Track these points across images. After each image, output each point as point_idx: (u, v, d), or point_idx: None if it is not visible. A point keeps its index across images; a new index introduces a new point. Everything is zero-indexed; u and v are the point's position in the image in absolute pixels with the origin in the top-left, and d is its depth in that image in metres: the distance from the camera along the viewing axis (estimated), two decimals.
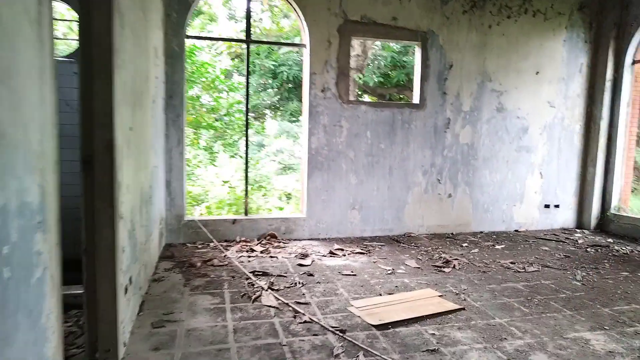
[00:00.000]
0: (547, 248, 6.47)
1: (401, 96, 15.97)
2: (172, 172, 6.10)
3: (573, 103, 7.60)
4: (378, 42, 14.85)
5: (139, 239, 3.87)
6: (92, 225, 2.78)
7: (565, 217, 7.83)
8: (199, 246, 6.10)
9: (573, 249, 6.47)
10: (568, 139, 7.66)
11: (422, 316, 3.90)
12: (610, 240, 7.01)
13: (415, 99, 6.97)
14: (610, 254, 6.18)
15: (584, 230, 7.66)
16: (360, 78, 14.13)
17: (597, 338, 3.58)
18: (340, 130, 6.63)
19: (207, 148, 9.07)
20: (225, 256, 5.61)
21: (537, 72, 7.35)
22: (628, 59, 7.30)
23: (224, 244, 6.19)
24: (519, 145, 7.42)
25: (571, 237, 7.15)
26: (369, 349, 3.30)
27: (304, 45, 6.52)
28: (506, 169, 7.41)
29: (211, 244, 6.14)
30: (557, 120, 7.55)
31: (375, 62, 14.46)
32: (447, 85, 6.97)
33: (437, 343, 3.42)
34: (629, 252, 6.29)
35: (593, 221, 7.68)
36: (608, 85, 7.43)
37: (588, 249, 6.42)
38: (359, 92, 16.09)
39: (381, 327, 3.69)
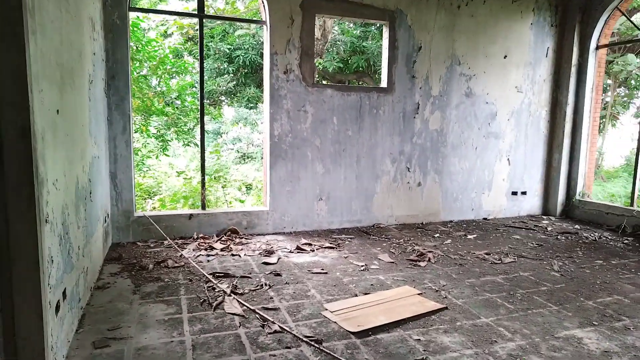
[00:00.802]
0: (518, 237, 6.33)
1: (360, 82, 15.64)
2: (118, 163, 5.42)
3: (540, 88, 7.49)
4: (337, 28, 14.41)
5: (75, 242, 3.26)
6: (6, 233, 2.18)
7: (532, 204, 7.77)
8: (151, 245, 5.48)
9: (544, 236, 6.36)
10: (535, 124, 7.56)
11: (404, 319, 3.55)
12: (577, 226, 6.99)
13: (383, 83, 6.59)
14: (580, 241, 6.12)
15: (550, 217, 7.62)
16: (319, 63, 13.65)
17: (589, 336, 3.35)
18: (305, 115, 6.15)
19: (158, 136, 8.32)
20: (181, 256, 5.04)
21: (505, 56, 7.16)
22: (592, 43, 7.25)
23: (180, 241, 5.60)
24: (488, 132, 7.24)
25: (539, 225, 7.07)
26: None
27: (264, 22, 5.96)
28: (475, 156, 7.22)
29: (165, 242, 5.54)
30: (524, 106, 7.42)
31: (334, 47, 14.02)
32: (416, 68, 6.64)
33: (424, 351, 3.08)
34: (597, 239, 6.25)
35: (559, 207, 7.66)
36: (573, 70, 7.36)
37: (559, 237, 6.33)
38: (318, 78, 15.61)
39: (361, 334, 3.30)
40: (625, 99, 15.97)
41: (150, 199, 8.00)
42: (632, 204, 6.85)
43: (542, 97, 7.53)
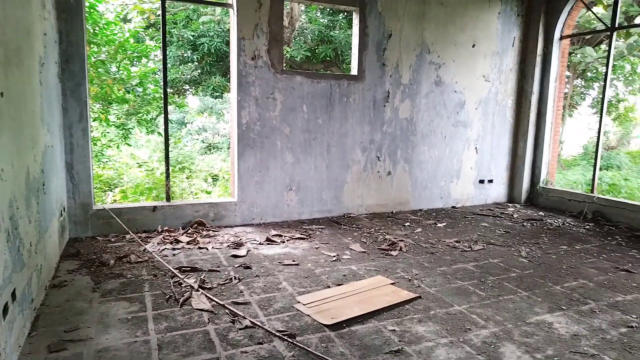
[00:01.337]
0: (486, 224, 6.41)
1: (328, 72, 15.50)
2: (74, 153, 5.09)
3: (506, 77, 7.58)
4: (304, 16, 14.18)
5: (26, 238, 3.01)
6: None
7: (498, 191, 7.91)
8: (112, 240, 5.20)
9: (510, 224, 6.47)
10: (501, 113, 7.66)
11: (379, 309, 3.49)
12: (541, 213, 7.16)
13: (354, 70, 6.49)
14: (545, 228, 6.25)
15: (515, 204, 7.78)
16: (287, 52, 13.42)
17: (559, 320, 3.40)
18: (274, 103, 5.97)
19: (119, 125, 7.92)
20: (144, 250, 4.80)
21: (474, 45, 7.19)
22: (556, 34, 7.38)
23: (143, 235, 5.34)
24: (456, 120, 7.28)
25: (506, 212, 7.20)
26: (325, 356, 2.80)
27: (230, 6, 5.72)
28: (444, 144, 7.25)
29: (127, 237, 5.27)
30: (491, 95, 7.50)
31: (302, 36, 13.81)
32: (386, 56, 6.56)
33: (400, 341, 3.02)
34: (561, 225, 6.41)
35: (523, 195, 7.83)
36: (538, 60, 7.49)
37: (524, 224, 6.46)
38: (286, 67, 15.36)
39: (335, 326, 3.21)
40: (582, 89, 16.55)
41: (111, 191, 7.63)
42: (592, 191, 7.07)
43: (509, 86, 7.64)
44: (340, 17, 13.61)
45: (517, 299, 3.80)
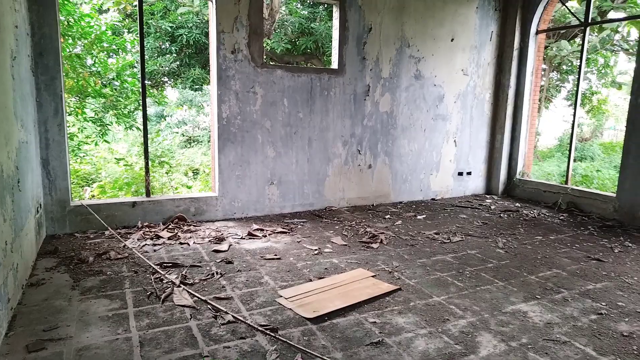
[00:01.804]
0: (464, 216, 6.54)
1: (309, 64, 15.45)
2: (50, 149, 4.99)
3: (484, 71, 7.70)
4: (284, 8, 14.07)
5: (1, 237, 2.95)
6: None
7: (476, 183, 8.06)
8: (91, 236, 5.13)
9: (488, 215, 6.62)
10: (479, 107, 7.79)
11: (360, 302, 3.54)
12: (518, 204, 7.34)
13: (334, 64, 6.50)
14: (521, 219, 6.42)
15: (493, 196, 7.95)
16: (267, 44, 13.32)
17: (533, 309, 3.51)
18: (254, 97, 5.95)
19: (95, 120, 7.76)
20: (124, 246, 4.75)
21: (452, 39, 7.27)
22: (533, 28, 7.52)
23: (123, 231, 5.28)
24: (436, 114, 7.37)
25: (483, 204, 7.35)
26: (307, 349, 2.85)
27: None
28: (423, 138, 7.34)
29: (106, 233, 5.21)
30: (469, 89, 7.61)
31: (282, 28, 13.72)
32: (367, 49, 6.59)
33: (380, 333, 3.09)
34: (536, 216, 6.59)
35: (501, 187, 8.00)
36: (515, 54, 7.62)
37: (502, 215, 6.61)
38: (266, 59, 15.24)
39: (317, 320, 3.26)
40: (558, 82, 16.91)
41: (89, 186, 7.50)
42: (566, 182, 7.27)
43: (487, 80, 7.76)
44: (321, 9, 13.56)
45: (494, 289, 3.91)
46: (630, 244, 5.27)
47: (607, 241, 5.40)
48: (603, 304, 3.64)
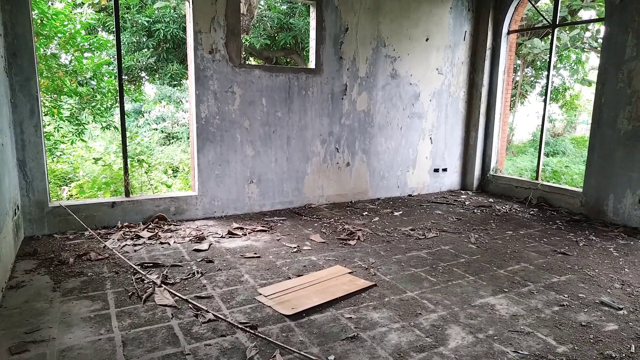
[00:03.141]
0: (440, 211, 6.75)
1: (288, 59, 15.48)
2: (27, 150, 4.97)
3: (458, 70, 7.90)
4: (263, 1, 14.04)
5: None
6: None
7: (452, 180, 8.30)
8: (70, 237, 5.14)
9: (462, 211, 6.84)
10: (454, 105, 8.00)
11: (337, 298, 3.68)
12: (491, 200, 7.59)
13: (312, 64, 6.60)
14: (493, 214, 6.66)
15: (468, 192, 8.20)
16: (246, 40, 13.30)
17: (501, 302, 3.71)
18: (232, 97, 6.01)
19: (71, 118, 7.68)
20: (104, 247, 4.79)
21: (427, 39, 7.44)
22: (504, 28, 7.75)
23: (103, 232, 5.31)
24: (412, 112, 7.55)
25: (458, 199, 7.58)
26: (285, 345, 2.97)
27: None
28: (400, 135, 7.51)
29: (86, 234, 5.22)
30: (444, 87, 7.81)
31: (261, 23, 13.70)
32: (343, 49, 6.70)
33: (356, 328, 3.23)
34: (508, 211, 6.85)
35: (475, 182, 8.25)
36: (488, 53, 7.84)
37: (475, 210, 6.85)
38: (245, 55, 15.21)
39: (295, 316, 3.39)
40: (532, 79, 17.35)
41: (67, 185, 7.44)
42: (537, 178, 7.55)
43: (461, 78, 7.97)
44: (299, 4, 13.58)
45: (465, 283, 4.10)
46: (594, 238, 5.55)
47: (573, 235, 5.66)
48: (565, 295, 3.87)
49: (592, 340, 3.13)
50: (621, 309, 3.61)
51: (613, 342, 3.10)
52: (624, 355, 2.95)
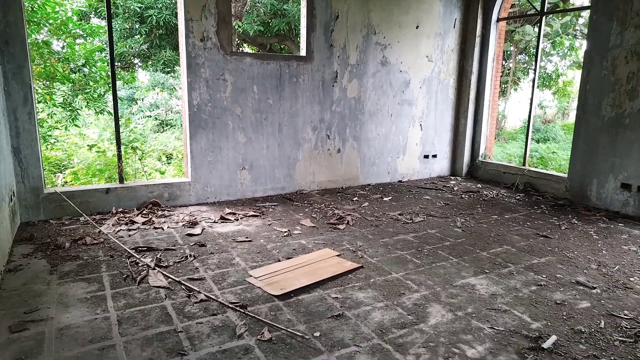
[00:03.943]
0: (428, 197, 6.90)
1: (282, 46, 15.46)
2: (21, 137, 5.05)
3: (448, 57, 7.99)
4: None
5: None
6: None
7: (442, 166, 8.44)
8: (66, 222, 5.25)
9: (450, 196, 7.00)
10: (444, 92, 8.10)
11: (324, 279, 3.84)
12: (479, 185, 7.75)
13: (302, 51, 6.67)
14: (481, 199, 6.83)
15: (457, 178, 8.35)
16: (239, 26, 13.27)
17: (481, 282, 3.88)
18: (224, 84, 6.08)
19: (65, 105, 7.72)
20: (99, 232, 4.91)
21: (417, 26, 7.51)
22: (494, 16, 7.82)
23: (97, 217, 5.42)
24: (402, 99, 7.65)
25: (447, 185, 7.74)
26: (273, 322, 3.13)
27: None
28: (390, 122, 7.62)
29: (81, 219, 5.34)
30: (434, 74, 7.90)
31: (254, 9, 13.65)
32: (334, 37, 6.77)
33: (341, 307, 3.39)
34: (495, 196, 7.01)
35: (464, 168, 8.41)
36: (477, 41, 7.93)
37: (463, 196, 7.01)
38: (239, 41, 15.17)
39: (283, 296, 3.54)
40: (525, 65, 17.42)
41: (61, 172, 7.52)
42: (524, 164, 7.71)
43: (450, 65, 8.06)
44: None
45: (448, 265, 4.26)
46: (576, 222, 5.72)
47: (557, 219, 5.84)
48: (544, 276, 4.04)
49: (565, 317, 3.30)
50: (595, 288, 3.79)
51: (584, 319, 3.28)
52: (593, 330, 3.12)
